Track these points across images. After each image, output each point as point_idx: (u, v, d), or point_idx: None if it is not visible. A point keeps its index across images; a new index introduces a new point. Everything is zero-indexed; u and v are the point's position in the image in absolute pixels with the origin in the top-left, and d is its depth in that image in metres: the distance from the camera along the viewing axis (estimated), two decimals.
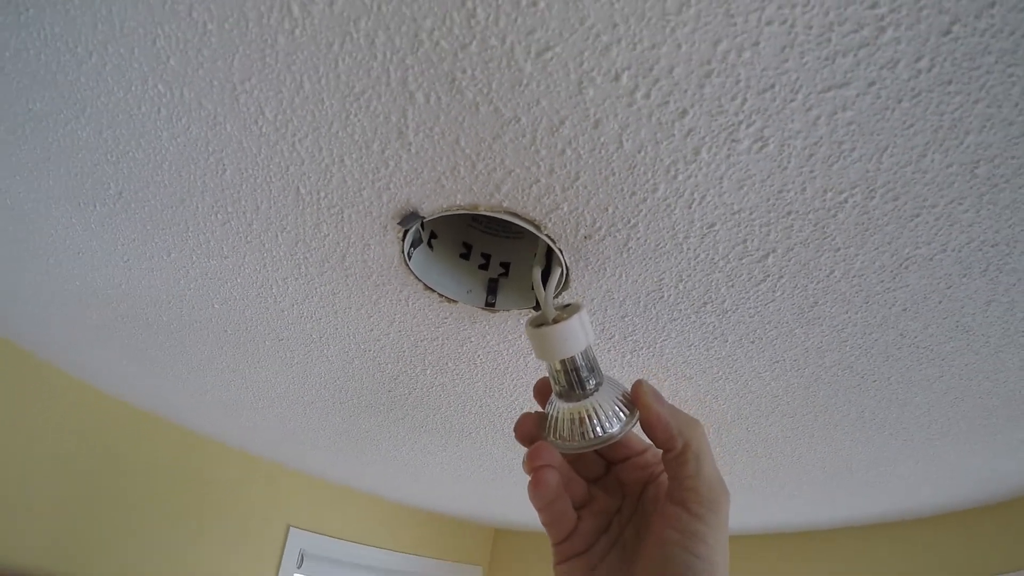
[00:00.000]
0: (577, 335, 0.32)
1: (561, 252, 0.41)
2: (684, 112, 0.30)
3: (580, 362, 0.32)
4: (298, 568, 1.73)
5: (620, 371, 0.60)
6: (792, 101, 0.29)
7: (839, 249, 0.39)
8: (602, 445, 0.31)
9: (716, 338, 0.51)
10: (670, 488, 0.31)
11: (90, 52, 0.31)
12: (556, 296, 0.48)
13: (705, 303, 0.46)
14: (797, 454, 0.80)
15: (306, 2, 0.27)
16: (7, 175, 0.44)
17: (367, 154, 0.36)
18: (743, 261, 0.41)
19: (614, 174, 0.34)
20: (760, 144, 0.31)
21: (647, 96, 0.29)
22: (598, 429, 0.31)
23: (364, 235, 0.44)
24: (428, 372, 0.65)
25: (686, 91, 0.29)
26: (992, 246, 0.39)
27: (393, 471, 1.24)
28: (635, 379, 0.33)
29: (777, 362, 0.54)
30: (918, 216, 0.37)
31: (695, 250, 0.40)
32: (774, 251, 0.40)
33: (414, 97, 0.31)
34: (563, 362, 0.32)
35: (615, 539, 0.33)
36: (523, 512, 1.82)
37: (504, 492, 1.36)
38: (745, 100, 0.29)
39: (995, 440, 0.73)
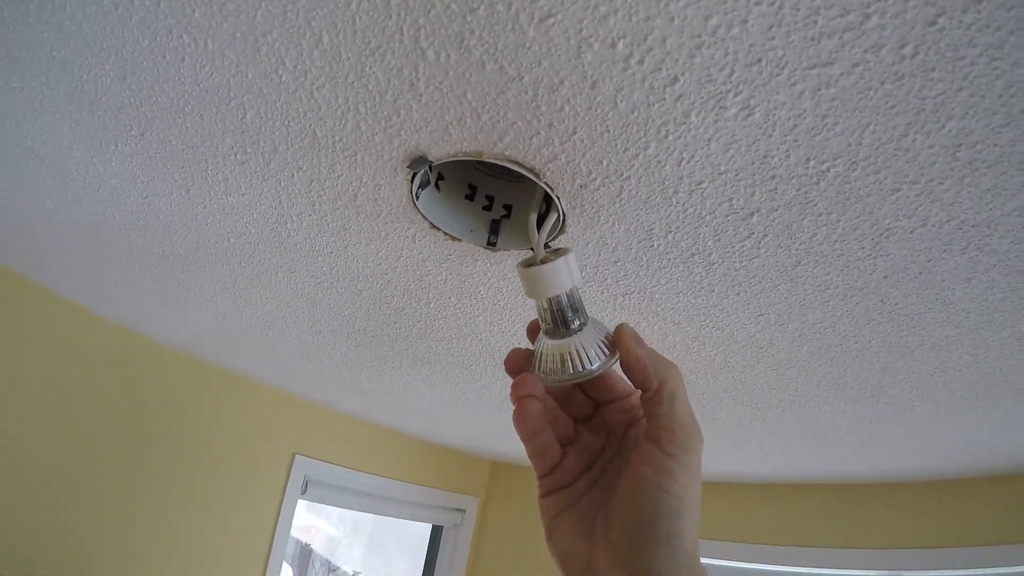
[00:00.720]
0: (562, 276, 0.35)
1: (558, 199, 0.44)
2: (675, 79, 0.32)
3: (565, 302, 0.35)
4: (302, 494, 1.85)
5: (612, 313, 0.63)
6: (778, 75, 0.31)
7: (821, 215, 0.42)
8: (582, 379, 0.34)
9: (703, 288, 0.54)
10: (647, 427, 0.32)
11: (116, 4, 0.33)
12: (552, 240, 0.51)
13: (693, 254, 0.49)
14: (781, 407, 0.85)
15: None
16: (30, 117, 0.47)
17: (380, 103, 0.38)
18: (728, 218, 0.43)
19: (608, 131, 0.37)
20: (746, 112, 0.34)
21: (641, 63, 0.31)
22: (579, 364, 0.34)
23: (376, 176, 0.46)
24: (432, 305, 0.70)
25: (677, 60, 0.31)
26: (972, 226, 0.41)
27: (395, 401, 1.31)
28: (622, 321, 0.36)
29: (762, 315, 0.58)
30: (899, 191, 0.39)
31: (683, 205, 0.43)
32: (758, 211, 0.42)
33: (425, 54, 0.33)
34: (549, 301, 0.35)
35: (597, 476, 0.35)
36: (519, 446, 1.91)
37: (502, 426, 1.44)
38: (733, 71, 0.31)
39: (976, 414, 0.77)
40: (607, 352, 0.36)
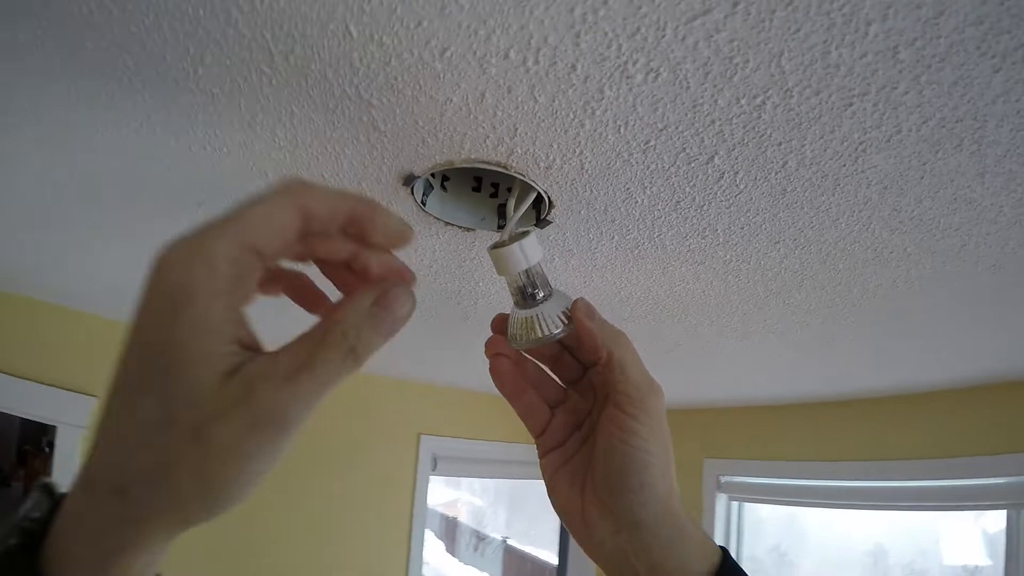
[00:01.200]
0: (518, 257, 0.40)
1: (533, 182, 0.49)
2: (573, 66, 0.36)
3: (524, 279, 0.41)
4: (433, 471, 2.03)
5: (633, 266, 0.66)
6: (663, 36, 0.33)
7: (781, 143, 0.42)
8: (542, 343, 0.39)
9: (706, 228, 0.56)
10: (608, 393, 0.36)
11: None
12: (547, 215, 0.56)
13: (678, 202, 0.51)
14: (834, 320, 0.82)
15: (282, 52, 0.36)
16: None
17: (358, 144, 0.46)
18: (691, 165, 0.45)
19: (544, 120, 0.41)
20: (653, 75, 0.36)
21: (536, 62, 0.35)
22: (539, 331, 0.39)
23: (383, 197, 0.54)
24: (480, 284, 0.77)
25: (566, 50, 0.34)
26: (956, 122, 0.40)
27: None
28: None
29: (778, 243, 0.58)
30: (851, 105, 0.39)
31: (643, 163, 0.46)
32: (716, 153, 0.44)
33: (371, 103, 0.40)
34: (513, 277, 0.41)
35: (586, 436, 0.38)
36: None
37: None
38: (620, 45, 0.34)
39: None
40: (566, 321, 0.41)
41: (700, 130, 0.41)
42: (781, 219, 0.53)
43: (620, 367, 0.36)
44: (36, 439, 1.44)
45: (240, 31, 0.35)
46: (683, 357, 1.16)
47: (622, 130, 0.42)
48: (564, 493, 0.39)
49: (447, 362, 1.41)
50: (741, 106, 0.39)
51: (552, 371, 0.43)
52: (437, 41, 0.34)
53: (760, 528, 2.02)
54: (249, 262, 0.23)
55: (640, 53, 0.35)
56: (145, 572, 0.26)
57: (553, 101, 0.39)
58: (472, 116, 0.41)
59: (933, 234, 0.54)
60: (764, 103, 0.39)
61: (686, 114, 0.40)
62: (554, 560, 2.35)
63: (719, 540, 1.78)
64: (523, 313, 0.41)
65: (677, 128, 0.41)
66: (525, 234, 0.41)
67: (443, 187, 0.59)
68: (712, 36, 0.33)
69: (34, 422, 1.44)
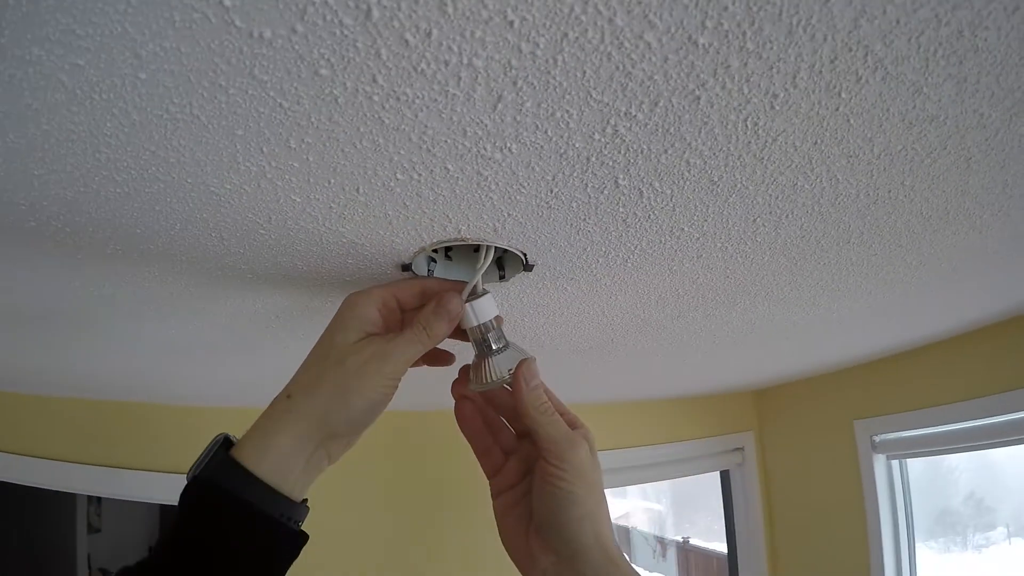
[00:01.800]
0: (469, 315, 0.48)
1: (500, 244, 0.56)
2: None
3: (478, 333, 0.48)
4: None
5: (670, 252, 0.69)
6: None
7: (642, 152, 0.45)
8: (486, 388, 0.48)
9: (711, 190, 0.58)
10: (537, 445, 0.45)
11: None
12: (535, 262, 0.62)
13: (625, 218, 0.54)
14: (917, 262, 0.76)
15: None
16: None
17: (351, 253, 0.56)
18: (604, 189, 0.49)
19: (476, 201, 0.48)
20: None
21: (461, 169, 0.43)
22: (484, 377, 0.47)
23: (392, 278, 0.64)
24: (517, 329, 0.85)
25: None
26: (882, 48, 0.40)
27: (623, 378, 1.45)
28: (532, 356, 0.47)
29: (795, 187, 0.58)
30: (747, 65, 0.40)
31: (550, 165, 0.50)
32: (626, 173, 0.48)
33: (294, 262, 0.50)
34: (471, 330, 0.48)
35: (531, 482, 0.46)
36: (783, 369, 1.85)
37: (765, 352, 1.43)
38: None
39: None
40: (508, 375, 0.48)
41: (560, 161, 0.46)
42: (759, 201, 0.54)
43: (537, 429, 0.44)
44: None
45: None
46: (771, 334, 1.12)
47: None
48: (511, 533, 0.47)
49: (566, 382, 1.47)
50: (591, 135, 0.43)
51: (508, 422, 0.51)
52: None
53: (951, 478, 1.81)
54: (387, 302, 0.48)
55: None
56: (296, 473, 0.41)
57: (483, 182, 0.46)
58: (415, 219, 0.49)
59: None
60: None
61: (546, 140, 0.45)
62: (723, 549, 2.27)
63: (885, 505, 1.67)
64: (477, 359, 0.49)
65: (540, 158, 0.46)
66: (483, 294, 0.48)
67: (448, 256, 0.68)
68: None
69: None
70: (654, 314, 0.90)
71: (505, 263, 0.67)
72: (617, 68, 0.32)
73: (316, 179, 0.43)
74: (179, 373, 1.10)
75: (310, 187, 0.44)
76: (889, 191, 0.57)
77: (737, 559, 2.09)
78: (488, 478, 0.51)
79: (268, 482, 0.39)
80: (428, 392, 1.28)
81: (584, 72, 0.32)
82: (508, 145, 0.40)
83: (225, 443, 0.41)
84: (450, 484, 1.89)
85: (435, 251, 0.65)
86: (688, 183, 0.47)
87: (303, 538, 0.42)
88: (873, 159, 0.49)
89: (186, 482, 0.40)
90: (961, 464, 1.84)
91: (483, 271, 0.53)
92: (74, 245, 0.51)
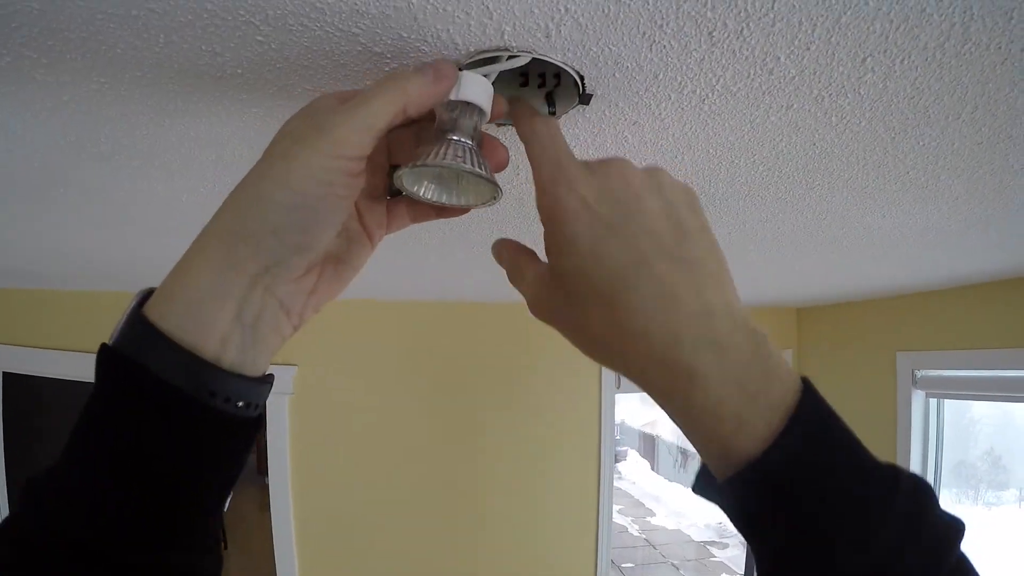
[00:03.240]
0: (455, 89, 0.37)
1: (546, 56, 0.48)
2: None
3: (447, 115, 0.37)
4: (617, 389, 2.10)
5: (713, 125, 0.61)
6: None
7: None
8: (434, 169, 0.37)
9: (766, 59, 0.50)
10: None
11: None
12: (583, 91, 0.54)
13: (710, 32, 0.46)
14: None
15: None
16: None
17: (360, 72, 0.50)
18: None
19: None
20: None
21: None
22: (435, 157, 0.35)
23: None
24: None
25: None
26: None
27: None
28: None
29: (865, 59, 0.49)
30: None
31: None
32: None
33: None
34: (444, 106, 0.37)
35: None
36: (823, 288, 1.77)
37: (807, 265, 1.36)
38: None
39: None
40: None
41: None
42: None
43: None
44: None
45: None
46: (838, 238, 1.03)
47: None
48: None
49: None
50: None
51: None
52: None
53: (972, 430, 1.76)
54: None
55: None
56: (223, 325, 0.29)
57: None
58: (447, 12, 0.40)
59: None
60: None
61: None
62: None
63: (917, 444, 1.65)
64: (434, 138, 0.37)
65: None
66: (484, 78, 0.39)
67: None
68: None
69: None
70: (721, 188, 0.82)
71: (556, 96, 0.60)
72: None
73: None
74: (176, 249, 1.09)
75: None
76: None
77: None
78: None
79: (177, 340, 0.27)
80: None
81: None
82: None
83: (145, 298, 0.30)
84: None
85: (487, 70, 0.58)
86: None
87: (246, 425, 0.30)
88: None
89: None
90: (984, 418, 1.78)
91: (500, 68, 0.43)
92: (56, 83, 0.47)
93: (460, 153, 0.34)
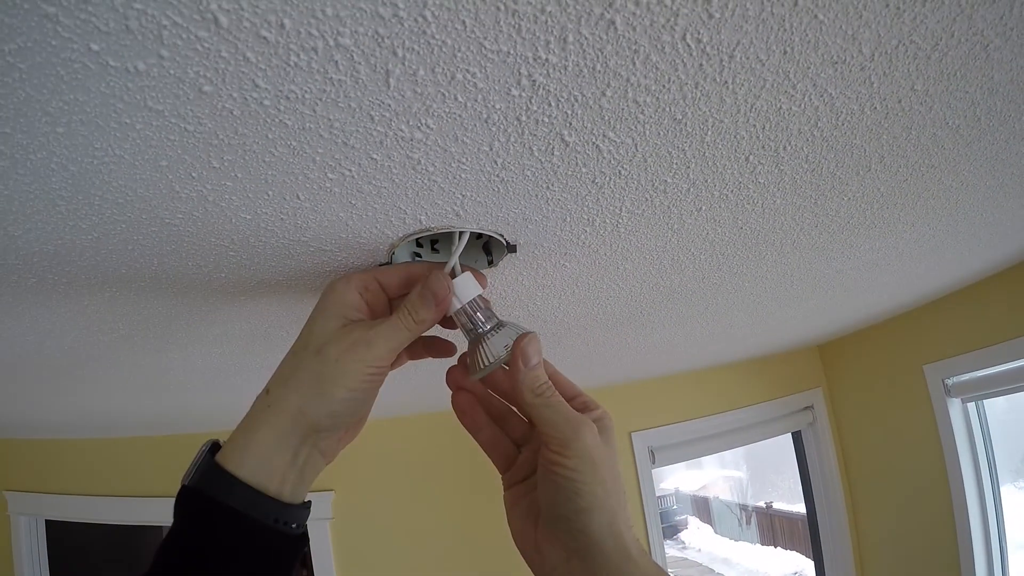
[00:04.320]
0: (452, 300, 0.44)
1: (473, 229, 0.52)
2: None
3: (464, 316, 0.44)
4: (652, 465, 2.03)
5: (663, 209, 0.63)
6: None
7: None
8: (483, 373, 0.43)
9: (678, 130, 0.52)
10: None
11: None
12: (512, 250, 0.58)
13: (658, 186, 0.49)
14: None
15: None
16: None
17: (317, 263, 0.54)
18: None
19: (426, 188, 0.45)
20: None
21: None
22: (480, 361, 0.42)
23: None
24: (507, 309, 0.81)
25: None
26: None
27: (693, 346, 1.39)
28: (533, 333, 0.43)
29: (780, 111, 0.52)
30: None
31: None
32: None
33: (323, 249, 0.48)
34: (455, 315, 0.45)
35: None
36: (844, 320, 1.73)
37: (830, 303, 1.34)
38: None
39: None
40: (505, 353, 0.43)
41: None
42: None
43: (534, 413, 0.40)
44: None
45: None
46: (814, 286, 1.03)
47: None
48: (519, 525, 0.42)
49: (607, 361, 1.43)
50: None
51: (518, 409, 0.46)
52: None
53: None
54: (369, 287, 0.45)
55: None
56: (282, 472, 0.39)
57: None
58: (370, 216, 0.46)
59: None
60: None
61: None
62: (802, 509, 2.17)
63: (965, 452, 1.53)
64: (472, 345, 0.44)
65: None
66: (460, 274, 0.45)
67: (434, 248, 0.65)
68: None
69: None
70: (674, 279, 0.84)
71: (492, 247, 0.63)
72: (498, 7, 0.27)
73: (254, 193, 0.42)
74: (196, 402, 1.13)
75: (252, 202, 0.43)
76: (899, 100, 0.49)
77: (817, 519, 1.98)
78: (500, 473, 0.46)
79: (251, 484, 0.37)
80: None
81: (463, 22, 0.28)
82: (423, 121, 0.36)
83: (212, 448, 0.40)
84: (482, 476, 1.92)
85: (420, 244, 0.62)
86: (647, 127, 0.42)
87: (300, 540, 0.40)
88: (865, 62, 0.42)
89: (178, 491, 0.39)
90: None
91: (458, 253, 0.50)
92: (76, 294, 0.56)
93: (501, 341, 0.43)
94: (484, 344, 0.43)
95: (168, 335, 0.74)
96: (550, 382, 0.41)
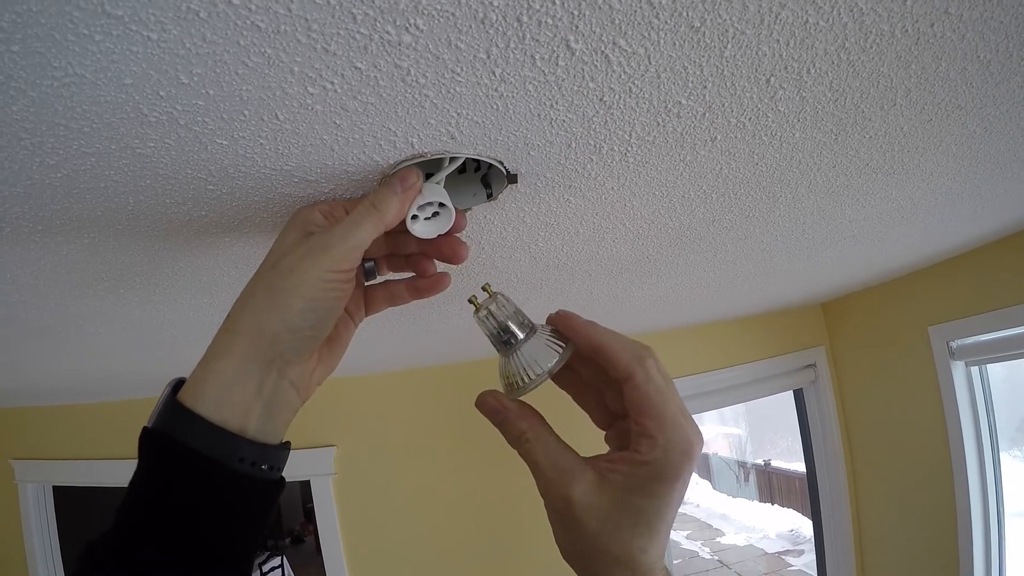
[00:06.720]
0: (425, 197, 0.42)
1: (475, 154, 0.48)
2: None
3: (496, 322, 0.39)
4: None
5: (676, 136, 0.60)
6: None
7: None
8: (542, 382, 0.37)
9: (696, 39, 0.49)
10: (630, 420, 0.36)
11: None
12: (513, 181, 0.54)
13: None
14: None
15: None
16: None
17: (304, 197, 0.51)
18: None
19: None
20: None
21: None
22: (533, 371, 0.37)
23: None
24: (496, 258, 0.78)
25: None
26: None
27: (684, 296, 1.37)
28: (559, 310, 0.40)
29: (807, 25, 0.48)
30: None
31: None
32: None
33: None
34: (481, 321, 0.40)
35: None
36: (850, 279, 1.70)
37: (829, 261, 1.31)
38: None
39: None
40: (560, 346, 0.38)
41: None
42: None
43: (645, 390, 0.35)
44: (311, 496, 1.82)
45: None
46: (826, 236, 0.99)
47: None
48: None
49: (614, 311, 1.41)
50: None
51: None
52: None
53: None
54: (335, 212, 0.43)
55: None
56: (248, 405, 0.36)
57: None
58: (356, 139, 0.43)
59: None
60: None
61: None
62: (802, 469, 2.19)
63: (966, 416, 1.53)
64: (507, 360, 0.39)
65: None
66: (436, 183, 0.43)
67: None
68: None
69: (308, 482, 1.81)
70: (684, 220, 0.80)
71: (491, 179, 0.59)
72: None
73: (229, 114, 0.39)
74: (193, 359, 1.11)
75: (228, 124, 0.40)
76: (931, 24, 0.45)
77: (816, 478, 2.00)
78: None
79: (211, 419, 0.34)
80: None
81: None
82: (412, 21, 0.32)
83: (176, 386, 0.36)
84: None
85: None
86: (662, 34, 0.38)
87: (274, 486, 0.36)
88: None
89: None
90: None
91: (447, 172, 0.47)
92: (53, 243, 0.53)
93: (535, 355, 0.38)
94: (521, 355, 0.37)
95: (154, 284, 0.72)
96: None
